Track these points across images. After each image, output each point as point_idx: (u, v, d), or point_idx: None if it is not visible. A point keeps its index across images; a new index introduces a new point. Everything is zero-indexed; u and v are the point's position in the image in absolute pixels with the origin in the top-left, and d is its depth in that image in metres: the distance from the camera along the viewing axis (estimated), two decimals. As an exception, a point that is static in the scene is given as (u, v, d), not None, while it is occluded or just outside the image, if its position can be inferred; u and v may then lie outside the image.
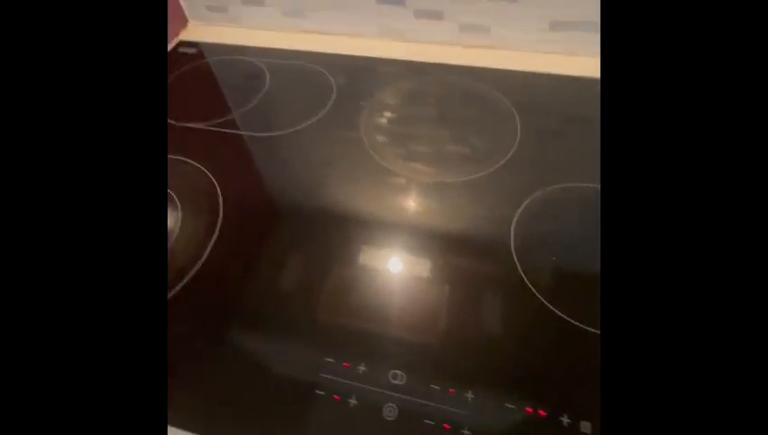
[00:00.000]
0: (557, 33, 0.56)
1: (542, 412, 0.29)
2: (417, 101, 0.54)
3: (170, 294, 0.36)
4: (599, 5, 0.21)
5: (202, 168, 0.46)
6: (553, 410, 0.29)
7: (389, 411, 0.29)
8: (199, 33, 0.68)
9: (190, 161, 0.47)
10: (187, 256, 0.38)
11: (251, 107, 0.54)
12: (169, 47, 0.65)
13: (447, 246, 0.38)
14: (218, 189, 0.44)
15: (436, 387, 0.30)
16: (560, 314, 0.33)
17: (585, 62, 0.55)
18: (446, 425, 0.29)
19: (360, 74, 0.57)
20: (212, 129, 0.51)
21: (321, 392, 0.30)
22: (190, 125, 0.52)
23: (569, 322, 0.33)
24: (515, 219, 0.40)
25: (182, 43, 0.66)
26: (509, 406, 0.29)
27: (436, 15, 0.59)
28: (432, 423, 0.29)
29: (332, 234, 0.40)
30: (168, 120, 0.52)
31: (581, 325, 0.32)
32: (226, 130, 0.51)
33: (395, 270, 0.37)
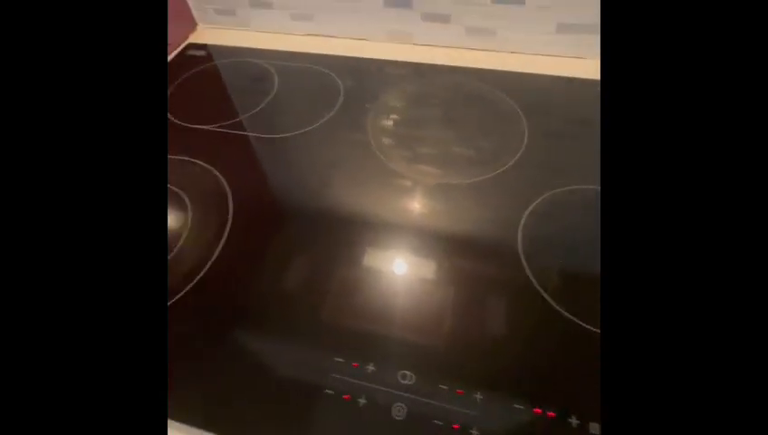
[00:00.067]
0: (564, 36, 0.56)
1: (550, 413, 0.29)
2: (424, 104, 0.54)
3: (181, 293, 0.36)
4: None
5: (212, 169, 0.46)
6: (562, 411, 0.29)
7: (398, 411, 0.30)
8: (208, 36, 0.69)
9: (200, 162, 0.47)
10: (197, 255, 0.39)
11: (259, 109, 0.54)
12: (178, 50, 0.66)
13: (455, 248, 0.39)
14: (228, 190, 0.44)
15: (445, 387, 0.30)
16: (568, 315, 0.33)
17: (592, 65, 0.55)
18: (455, 425, 0.29)
19: (368, 77, 0.58)
20: (221, 130, 0.52)
21: (331, 392, 0.30)
22: (199, 126, 0.52)
23: (577, 323, 0.33)
24: (523, 221, 0.40)
25: (191, 46, 0.66)
26: (517, 407, 0.29)
27: (442, 18, 0.59)
28: (441, 423, 0.29)
29: (340, 235, 0.40)
30: (178, 122, 0.53)
31: (589, 327, 0.33)
32: (235, 132, 0.52)
33: (403, 272, 0.37)
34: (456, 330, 0.33)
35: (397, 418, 0.29)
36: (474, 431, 0.29)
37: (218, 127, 0.52)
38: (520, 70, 0.56)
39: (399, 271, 0.37)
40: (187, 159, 0.48)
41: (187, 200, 0.43)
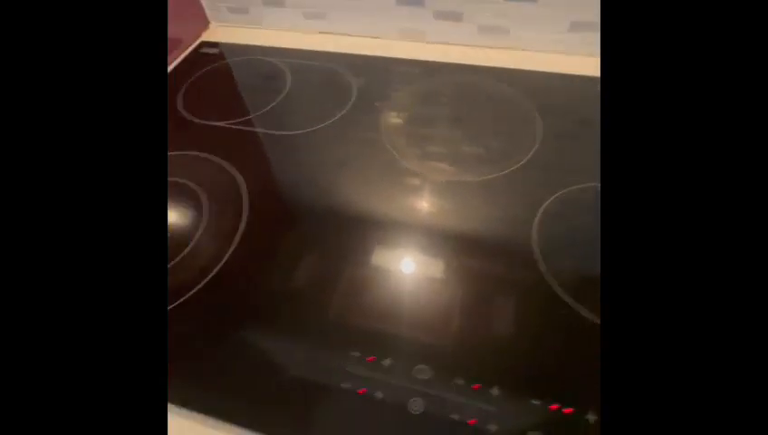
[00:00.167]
0: (577, 35, 0.56)
1: (567, 410, 0.29)
2: (436, 102, 0.54)
3: (200, 286, 0.37)
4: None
5: (227, 165, 0.47)
6: (579, 407, 0.29)
7: (415, 406, 0.30)
8: (221, 34, 0.69)
9: (215, 158, 0.47)
10: (212, 251, 0.39)
11: (272, 106, 0.55)
12: (191, 48, 0.67)
13: (470, 246, 0.39)
14: (243, 186, 0.44)
15: (461, 382, 0.30)
16: (583, 313, 0.33)
17: (605, 63, 0.55)
18: (471, 421, 0.29)
19: (380, 75, 0.58)
20: (235, 127, 0.52)
21: (347, 386, 0.31)
22: (213, 123, 0.53)
23: (593, 320, 0.33)
24: (537, 219, 0.40)
25: (204, 44, 0.67)
26: (534, 402, 0.29)
27: (455, 17, 0.59)
28: (457, 418, 0.29)
29: (357, 231, 0.40)
30: (192, 118, 0.53)
31: (606, 324, 0.32)
32: (249, 129, 0.52)
33: (420, 269, 0.37)
34: (472, 326, 0.33)
35: (413, 412, 0.29)
36: (490, 427, 0.29)
37: (232, 124, 0.53)
38: (533, 68, 0.56)
39: (416, 269, 0.37)
40: (201, 154, 0.48)
41: (202, 195, 0.44)
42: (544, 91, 0.53)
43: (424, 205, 0.42)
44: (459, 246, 0.38)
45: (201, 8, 0.70)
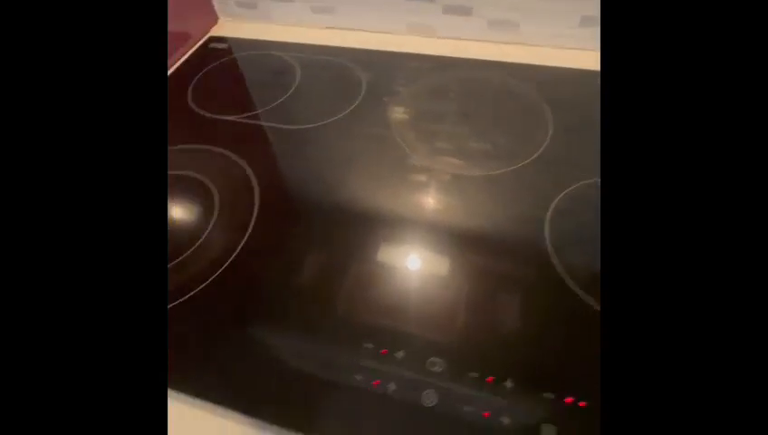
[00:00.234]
0: (587, 29, 0.56)
1: (582, 403, 0.29)
2: (445, 97, 0.54)
3: (212, 278, 0.37)
4: None
5: (238, 159, 0.47)
6: (593, 399, 0.29)
7: (428, 398, 0.30)
8: (230, 29, 0.69)
9: (226, 152, 0.47)
10: (223, 245, 0.39)
11: (281, 101, 0.55)
12: (200, 43, 0.67)
13: (486, 241, 0.38)
14: (254, 180, 0.44)
15: (474, 375, 0.30)
16: (597, 308, 0.33)
17: (616, 58, 0.55)
18: (485, 413, 0.29)
19: (389, 70, 0.58)
20: (245, 121, 0.52)
21: (360, 377, 0.31)
22: (224, 117, 0.53)
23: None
24: (549, 214, 0.39)
25: (213, 39, 0.67)
26: (548, 395, 0.29)
27: (464, 11, 0.59)
28: (471, 411, 0.29)
29: (367, 227, 0.40)
30: (202, 112, 0.54)
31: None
32: (259, 123, 0.52)
33: (432, 263, 0.37)
34: (485, 320, 0.33)
35: (426, 405, 0.29)
36: (504, 419, 0.29)
37: (242, 118, 0.53)
38: (543, 63, 0.56)
39: (428, 264, 0.37)
40: (212, 148, 0.48)
41: (213, 188, 0.44)
42: (554, 86, 0.53)
43: (436, 200, 0.42)
44: (472, 242, 0.38)
45: (210, 3, 0.70)
